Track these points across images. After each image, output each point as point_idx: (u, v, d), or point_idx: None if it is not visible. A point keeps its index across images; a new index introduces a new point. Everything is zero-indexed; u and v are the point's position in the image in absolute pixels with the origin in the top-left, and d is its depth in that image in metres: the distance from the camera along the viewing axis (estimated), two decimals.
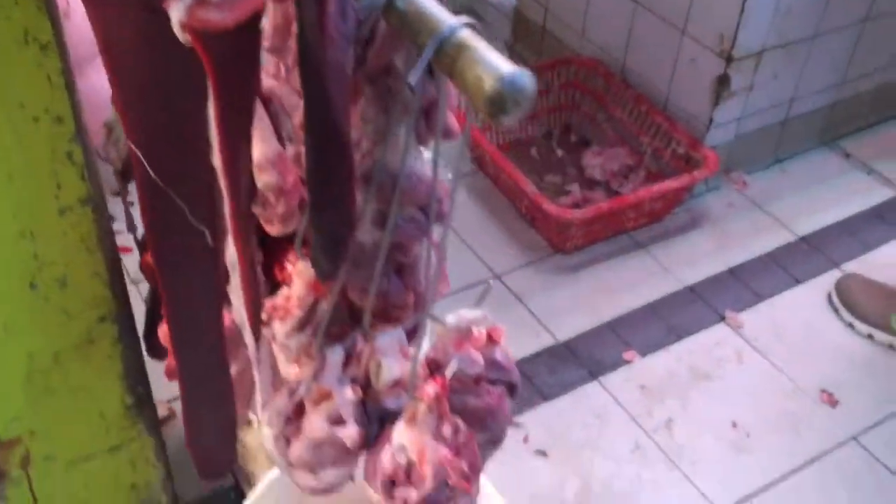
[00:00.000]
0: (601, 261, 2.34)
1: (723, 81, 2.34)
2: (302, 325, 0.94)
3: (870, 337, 2.16)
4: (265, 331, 0.94)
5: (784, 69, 2.45)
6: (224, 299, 0.76)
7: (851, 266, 2.35)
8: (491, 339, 0.91)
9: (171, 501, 1.61)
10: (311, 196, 0.74)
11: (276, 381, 0.96)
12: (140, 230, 1.39)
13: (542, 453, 1.88)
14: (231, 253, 0.68)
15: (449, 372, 0.86)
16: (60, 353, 1.27)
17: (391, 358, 0.89)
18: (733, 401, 2.02)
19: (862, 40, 2.58)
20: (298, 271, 0.92)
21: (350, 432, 0.86)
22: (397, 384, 0.88)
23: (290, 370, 0.95)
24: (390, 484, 0.86)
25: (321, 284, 0.90)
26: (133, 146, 0.61)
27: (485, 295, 0.91)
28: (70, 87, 1.06)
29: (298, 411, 0.89)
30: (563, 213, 2.22)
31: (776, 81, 2.46)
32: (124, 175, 1.31)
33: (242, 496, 1.73)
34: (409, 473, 0.85)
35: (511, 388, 0.96)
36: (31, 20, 0.99)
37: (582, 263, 2.33)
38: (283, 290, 0.95)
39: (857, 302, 2.18)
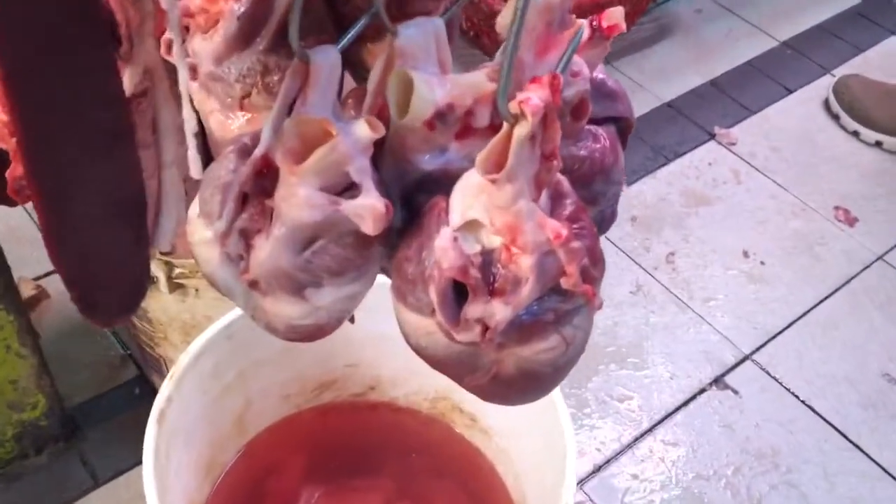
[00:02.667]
0: None
1: None
2: (247, 34, 0.51)
3: (878, 144, 1.86)
4: (173, 60, 0.51)
5: None
6: None
7: (844, 70, 2.04)
8: (602, 32, 0.50)
9: (50, 403, 1.18)
10: None
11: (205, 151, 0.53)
12: None
13: None
14: None
15: (561, 67, 0.45)
16: None
17: (428, 69, 0.47)
18: (739, 226, 1.69)
19: None
20: None
21: (369, 203, 0.45)
22: (441, 117, 0.47)
23: (231, 124, 0.52)
24: (454, 296, 0.45)
25: None
26: None
27: None
28: None
29: (261, 184, 0.47)
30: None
31: None
32: None
33: (151, 389, 1.31)
34: (487, 272, 0.45)
35: (624, 129, 0.56)
36: None
37: None
38: None
39: (860, 106, 1.87)
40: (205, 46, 0.51)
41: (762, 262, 1.63)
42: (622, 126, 0.55)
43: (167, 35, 0.46)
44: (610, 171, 0.53)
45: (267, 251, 0.47)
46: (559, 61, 0.47)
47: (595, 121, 0.54)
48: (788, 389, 1.44)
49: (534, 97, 0.41)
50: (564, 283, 0.46)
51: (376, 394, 1.11)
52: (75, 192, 0.38)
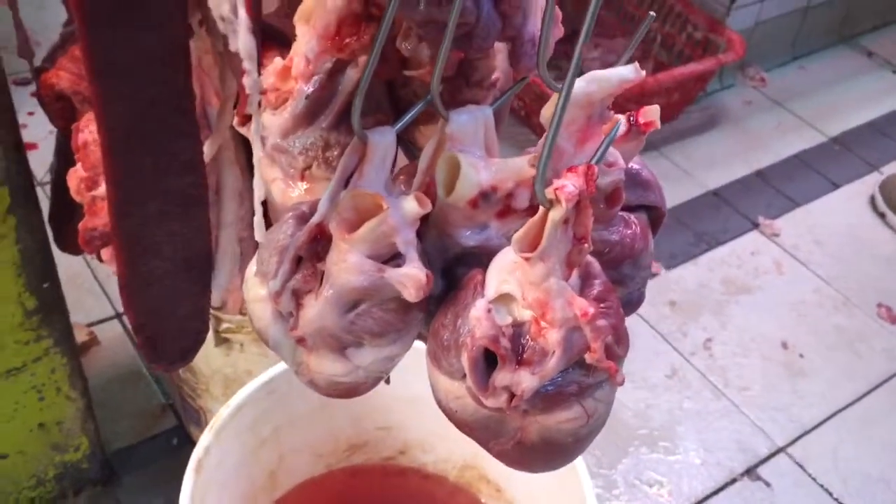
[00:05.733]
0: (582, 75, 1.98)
1: None
2: (312, 112, 0.55)
3: None
4: (246, 132, 0.56)
5: None
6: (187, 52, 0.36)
7: (891, 168, 2.05)
8: (639, 127, 0.54)
9: (93, 447, 1.21)
10: None
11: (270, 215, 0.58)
12: (37, 56, 0.98)
13: None
14: None
15: (598, 158, 0.48)
16: None
17: (474, 153, 0.52)
18: (779, 317, 1.70)
19: None
20: (305, 13, 0.53)
21: (412, 273, 0.48)
22: (484, 197, 0.51)
23: (292, 192, 0.57)
24: (484, 364, 0.48)
25: (358, 31, 0.51)
26: None
27: (644, 31, 0.54)
28: None
29: (315, 248, 0.51)
30: None
31: None
32: None
33: (189, 440, 1.34)
34: (517, 343, 0.48)
35: (656, 218, 0.59)
36: None
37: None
38: (275, 62, 0.56)
39: None
40: (274, 121, 0.56)
41: (801, 355, 1.63)
42: (654, 214, 0.58)
43: (245, 110, 0.50)
44: (639, 256, 0.56)
45: (316, 310, 0.51)
46: (596, 152, 0.51)
47: (628, 208, 0.57)
48: (822, 486, 1.42)
49: (569, 185, 0.45)
50: (589, 358, 0.48)
51: (406, 458, 1.13)
52: (153, 248, 0.42)
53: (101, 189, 0.77)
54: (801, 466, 1.45)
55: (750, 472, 1.43)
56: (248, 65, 0.37)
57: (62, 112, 0.91)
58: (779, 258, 1.82)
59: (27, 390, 1.07)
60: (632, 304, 0.58)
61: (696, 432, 1.48)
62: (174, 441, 1.36)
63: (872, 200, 1.96)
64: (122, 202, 0.40)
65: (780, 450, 1.47)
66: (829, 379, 1.59)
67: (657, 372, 1.57)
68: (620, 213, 0.56)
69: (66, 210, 1.05)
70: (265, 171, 0.58)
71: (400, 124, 0.51)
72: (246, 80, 0.38)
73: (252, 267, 0.54)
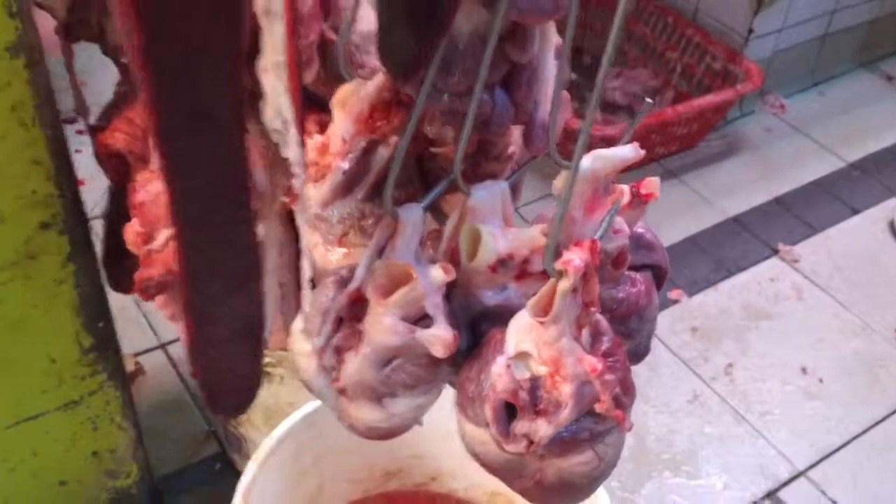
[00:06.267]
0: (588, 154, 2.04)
1: None
2: (348, 186, 0.62)
3: None
4: (296, 209, 0.63)
5: None
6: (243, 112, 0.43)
7: None
8: (640, 198, 0.60)
9: (142, 473, 1.29)
10: None
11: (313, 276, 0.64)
12: (92, 113, 1.06)
13: None
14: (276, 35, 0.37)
15: (601, 233, 0.55)
16: None
17: (493, 224, 0.58)
18: (798, 342, 1.74)
19: None
20: (341, 100, 0.60)
21: (440, 334, 0.55)
22: (503, 264, 0.57)
23: (330, 257, 0.63)
24: (506, 413, 0.55)
25: (389, 115, 0.58)
26: None
27: (643, 114, 0.61)
28: None
29: (354, 311, 0.58)
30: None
31: None
32: (69, 30, 0.97)
33: (230, 466, 1.41)
34: (534, 395, 0.54)
35: (659, 276, 0.65)
36: None
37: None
38: (314, 139, 0.63)
39: None
40: (314, 192, 0.63)
41: (820, 380, 1.67)
42: (657, 273, 0.64)
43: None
44: (644, 312, 0.62)
45: (355, 366, 0.57)
46: (602, 223, 0.57)
47: (634, 267, 0.63)
48: None
49: (576, 259, 0.51)
50: (598, 408, 0.55)
51: (437, 484, 1.19)
52: (216, 318, 0.49)
53: (157, 243, 0.85)
54: (821, 490, 1.49)
55: (771, 495, 1.48)
56: (297, 170, 0.44)
57: (116, 167, 0.99)
58: (798, 284, 1.86)
59: (83, 421, 1.14)
60: (638, 355, 0.64)
61: (718, 457, 1.52)
62: (217, 466, 1.43)
63: (892, 226, 1.99)
64: (191, 282, 0.46)
65: (800, 473, 1.51)
66: (847, 403, 1.63)
67: (679, 397, 1.62)
68: (627, 273, 0.62)
69: (118, 253, 1.13)
70: (306, 237, 0.65)
71: (426, 202, 0.58)
72: (294, 182, 0.45)
73: (298, 324, 0.61)
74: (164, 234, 0.83)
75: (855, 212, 2.05)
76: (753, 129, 2.26)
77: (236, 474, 1.39)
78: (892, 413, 1.62)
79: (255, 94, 0.44)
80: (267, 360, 1.16)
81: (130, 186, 0.92)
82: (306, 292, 0.56)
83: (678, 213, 1.98)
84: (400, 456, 1.15)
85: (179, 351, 1.59)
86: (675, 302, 1.79)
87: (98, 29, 0.95)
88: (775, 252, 1.93)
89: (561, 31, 0.56)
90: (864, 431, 1.59)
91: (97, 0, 0.92)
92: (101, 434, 1.17)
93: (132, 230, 0.86)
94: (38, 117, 0.87)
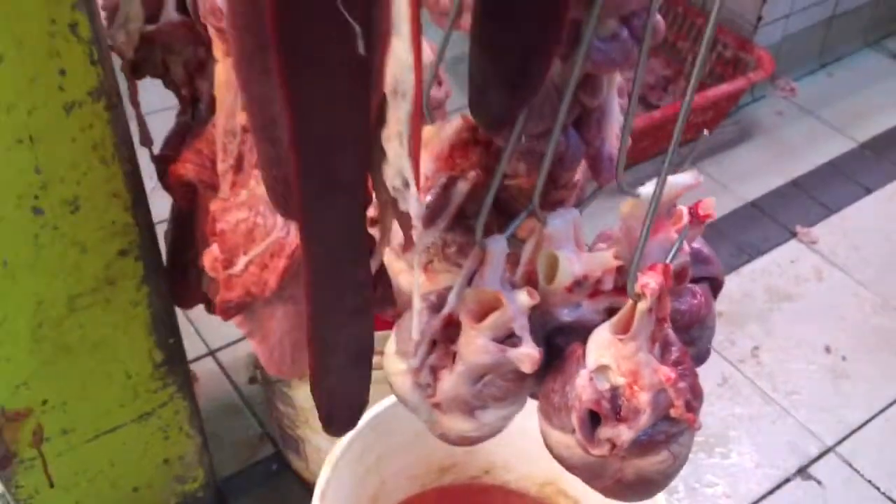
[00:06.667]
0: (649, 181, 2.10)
1: None
2: (431, 218, 0.68)
3: None
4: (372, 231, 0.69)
5: None
6: (365, 150, 0.50)
7: None
8: (696, 219, 0.67)
9: (207, 477, 1.36)
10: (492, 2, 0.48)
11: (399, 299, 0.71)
12: (156, 145, 1.12)
13: None
14: (401, 61, 0.43)
15: (671, 258, 0.61)
16: (75, 299, 1.00)
17: (568, 249, 0.64)
18: (821, 322, 1.80)
19: None
20: (424, 141, 0.67)
21: (527, 352, 0.61)
22: (578, 285, 0.63)
23: (412, 282, 0.70)
24: (590, 421, 0.61)
25: (467, 153, 0.64)
26: None
27: (697, 149, 0.67)
28: None
29: (447, 333, 0.64)
30: None
31: None
32: (136, 69, 1.03)
33: (287, 466, 1.48)
34: (615, 404, 0.61)
35: (716, 287, 0.71)
36: None
37: (630, 185, 2.08)
38: None
39: None
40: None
41: (843, 358, 1.73)
42: (714, 284, 0.71)
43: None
44: (705, 320, 0.69)
45: (450, 383, 0.64)
46: (671, 248, 0.63)
47: (693, 279, 0.70)
48: (870, 482, 1.53)
49: (651, 283, 0.58)
50: (673, 412, 0.61)
51: (490, 477, 1.26)
52: (335, 348, 0.56)
53: (237, 268, 0.91)
54: (849, 464, 1.56)
55: (802, 471, 1.55)
56: (416, 223, 0.50)
57: (185, 194, 1.05)
58: (818, 265, 1.93)
59: (155, 431, 1.21)
60: (700, 358, 0.71)
61: (749, 436, 1.59)
62: (273, 467, 1.50)
63: None
64: (316, 318, 0.53)
65: (829, 449, 1.58)
66: (871, 379, 1.70)
67: (709, 381, 1.68)
68: (688, 286, 0.69)
69: (180, 271, 1.20)
70: (393, 264, 0.71)
71: (508, 232, 0.64)
72: (413, 233, 0.51)
73: (391, 345, 0.68)
74: (243, 259, 0.90)
75: (868, 191, 2.11)
76: (765, 114, 2.32)
77: (293, 473, 1.47)
78: None
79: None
80: None
81: (205, 214, 0.99)
82: (417, 328, 0.62)
83: (697, 199, 2.03)
84: (455, 452, 1.22)
85: (228, 357, 1.66)
86: None
87: (163, 66, 1.01)
88: (794, 234, 1.99)
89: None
90: (888, 406, 1.66)
91: (161, 40, 0.98)
92: (171, 442, 1.24)
93: (212, 256, 0.92)
94: (117, 154, 0.93)
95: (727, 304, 1.83)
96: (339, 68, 0.44)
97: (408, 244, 0.51)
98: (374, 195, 0.54)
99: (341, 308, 0.54)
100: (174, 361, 1.17)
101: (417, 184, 0.48)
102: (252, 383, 1.57)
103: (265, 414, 1.54)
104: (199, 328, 1.69)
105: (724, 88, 2.06)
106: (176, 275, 1.18)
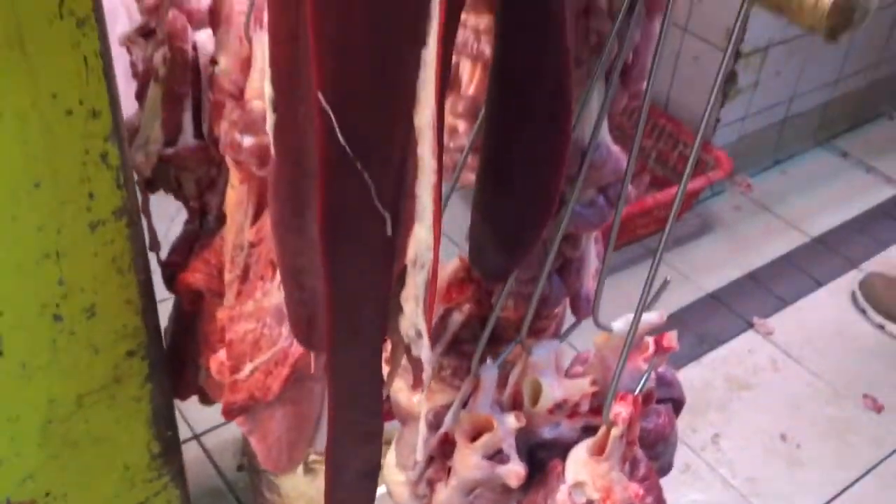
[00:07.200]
0: (616, 270, 2.21)
1: (731, 78, 2.26)
2: (429, 344, 0.77)
3: None
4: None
5: (786, 66, 2.38)
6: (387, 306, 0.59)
7: (869, 265, 2.28)
8: (660, 349, 0.76)
9: None
10: (493, 178, 0.58)
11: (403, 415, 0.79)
12: (163, 250, 1.21)
13: None
14: (421, 241, 0.52)
15: (640, 389, 0.71)
16: (84, 397, 1.07)
17: (550, 376, 0.74)
18: (777, 411, 1.91)
19: (856, 36, 2.53)
20: None
21: (514, 469, 0.70)
22: (558, 407, 0.73)
23: (414, 399, 0.78)
24: None
25: (462, 290, 0.74)
26: (325, 102, 0.45)
27: (661, 292, 0.77)
28: (108, 72, 0.89)
29: (443, 450, 0.73)
30: None
31: (779, 78, 2.40)
32: (150, 184, 1.12)
33: None
34: None
35: (678, 406, 0.81)
36: None
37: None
38: None
39: (884, 302, 2.11)
40: None
41: (798, 446, 1.83)
42: (676, 404, 0.80)
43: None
44: (668, 437, 0.78)
45: (445, 495, 0.72)
46: (640, 375, 0.73)
47: (658, 401, 0.79)
48: None
49: (623, 412, 0.67)
50: None
51: None
52: (348, 467, 0.64)
53: (242, 374, 0.99)
54: None
55: None
56: (427, 367, 0.59)
57: (192, 299, 1.14)
58: (773, 355, 2.04)
59: None
60: (664, 470, 0.80)
61: None
62: None
63: (854, 297, 2.18)
64: (335, 439, 0.61)
65: None
66: (825, 467, 1.80)
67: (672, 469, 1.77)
68: (654, 407, 0.78)
69: (178, 365, 1.27)
70: (397, 384, 0.80)
71: (498, 361, 0.73)
72: (424, 376, 0.60)
73: (391, 457, 0.76)
74: (249, 366, 0.98)
75: (820, 284, 2.24)
76: (724, 208, 2.46)
77: None
78: (865, 474, 1.79)
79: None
80: (313, 457, 1.29)
81: (210, 318, 1.07)
82: (421, 449, 0.70)
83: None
84: None
85: (212, 441, 1.72)
86: None
87: (176, 182, 1.11)
88: (751, 325, 2.11)
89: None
90: (841, 492, 1.75)
91: (177, 161, 1.07)
92: None
93: (218, 361, 1.01)
94: (133, 265, 1.01)
95: (689, 392, 1.91)
96: (370, 246, 0.53)
97: (417, 383, 0.60)
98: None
99: (357, 432, 0.63)
100: (170, 452, 1.23)
101: (429, 336, 0.57)
102: (240, 470, 1.63)
103: (249, 500, 1.59)
104: (184, 412, 1.75)
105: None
106: (174, 368, 1.26)
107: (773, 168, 2.62)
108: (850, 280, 2.24)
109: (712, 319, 2.11)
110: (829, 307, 2.17)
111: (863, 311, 2.14)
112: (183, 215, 1.19)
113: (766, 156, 2.59)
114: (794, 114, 2.55)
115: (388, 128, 0.48)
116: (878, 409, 1.92)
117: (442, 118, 0.49)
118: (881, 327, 2.10)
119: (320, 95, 0.45)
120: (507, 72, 0.54)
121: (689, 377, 1.96)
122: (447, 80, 0.49)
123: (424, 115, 0.48)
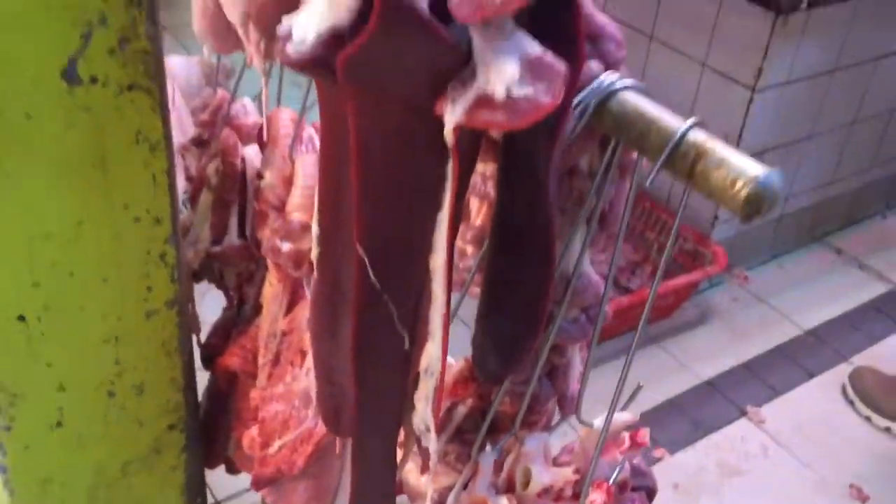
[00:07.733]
0: (617, 357, 2.34)
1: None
2: (436, 433, 0.90)
3: (887, 430, 2.18)
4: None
5: (782, 167, 2.53)
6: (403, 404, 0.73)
7: (859, 359, 2.40)
8: (635, 444, 0.89)
9: None
10: (493, 299, 0.72)
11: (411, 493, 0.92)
12: (204, 333, 1.35)
13: None
14: (432, 355, 0.66)
15: (614, 478, 0.83)
16: (128, 465, 1.20)
17: (539, 464, 0.86)
18: (766, 497, 2.00)
19: (850, 141, 2.69)
20: None
21: None
22: (546, 492, 0.85)
23: (422, 480, 0.91)
24: None
25: (466, 387, 0.87)
26: (361, 250, 0.59)
27: (635, 396, 0.90)
28: (172, 185, 1.04)
29: None
30: None
31: None
32: (196, 275, 1.27)
33: None
34: None
35: (650, 494, 0.93)
36: (145, 119, 0.97)
37: (599, 359, 2.32)
38: None
39: (871, 395, 2.21)
40: None
41: None
42: (649, 491, 0.92)
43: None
44: None
45: None
46: (617, 466, 0.85)
47: (633, 489, 0.91)
48: None
49: (598, 499, 0.80)
50: None
51: None
52: None
53: (272, 449, 1.12)
54: None
55: None
56: (434, 456, 0.72)
57: (228, 379, 1.27)
58: (765, 443, 2.14)
59: None
60: None
61: None
62: None
63: (843, 389, 2.29)
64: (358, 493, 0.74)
65: None
66: None
67: None
68: (629, 494, 0.90)
69: (210, 438, 1.40)
70: (410, 468, 0.92)
71: (496, 449, 0.86)
72: (430, 463, 0.73)
73: None
74: (277, 443, 1.11)
75: (811, 376, 2.35)
76: (722, 299, 2.58)
77: None
78: None
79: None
80: None
81: (244, 397, 1.21)
82: None
83: (660, 376, 2.27)
84: None
85: None
86: (658, 460, 2.06)
87: (219, 274, 1.25)
88: (744, 413, 2.21)
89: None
90: None
91: (222, 258, 1.22)
92: None
93: (250, 437, 1.13)
94: (180, 348, 1.15)
95: (683, 476, 2.03)
96: (391, 358, 0.67)
97: (425, 467, 0.73)
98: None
99: (376, 490, 0.76)
100: None
101: (436, 430, 0.71)
102: None
103: None
104: (207, 479, 1.87)
105: (683, 279, 2.33)
106: (206, 440, 1.38)
107: (771, 262, 2.75)
108: (839, 373, 2.35)
109: (707, 406, 2.22)
110: (819, 398, 2.28)
111: (851, 403, 2.25)
112: (207, 301, 1.34)
113: (763, 250, 2.73)
114: (789, 211, 2.69)
115: (409, 269, 0.63)
116: (864, 499, 2.01)
117: (451, 261, 0.63)
118: (868, 419, 2.20)
119: (358, 245, 0.60)
120: (504, 217, 0.69)
121: (684, 461, 2.07)
122: (457, 231, 0.64)
123: (438, 259, 0.62)
